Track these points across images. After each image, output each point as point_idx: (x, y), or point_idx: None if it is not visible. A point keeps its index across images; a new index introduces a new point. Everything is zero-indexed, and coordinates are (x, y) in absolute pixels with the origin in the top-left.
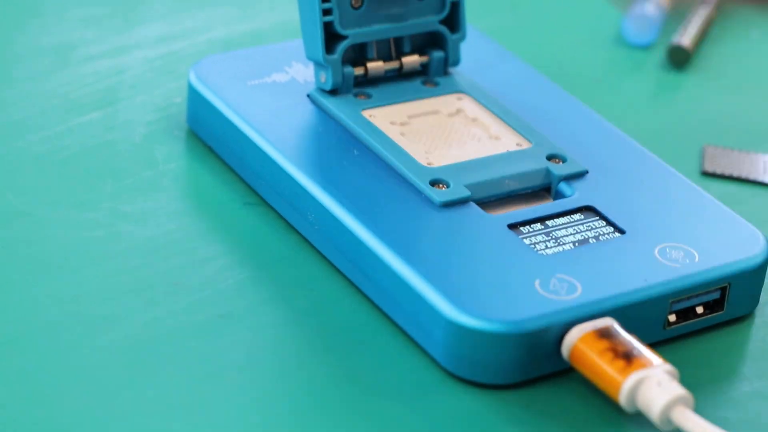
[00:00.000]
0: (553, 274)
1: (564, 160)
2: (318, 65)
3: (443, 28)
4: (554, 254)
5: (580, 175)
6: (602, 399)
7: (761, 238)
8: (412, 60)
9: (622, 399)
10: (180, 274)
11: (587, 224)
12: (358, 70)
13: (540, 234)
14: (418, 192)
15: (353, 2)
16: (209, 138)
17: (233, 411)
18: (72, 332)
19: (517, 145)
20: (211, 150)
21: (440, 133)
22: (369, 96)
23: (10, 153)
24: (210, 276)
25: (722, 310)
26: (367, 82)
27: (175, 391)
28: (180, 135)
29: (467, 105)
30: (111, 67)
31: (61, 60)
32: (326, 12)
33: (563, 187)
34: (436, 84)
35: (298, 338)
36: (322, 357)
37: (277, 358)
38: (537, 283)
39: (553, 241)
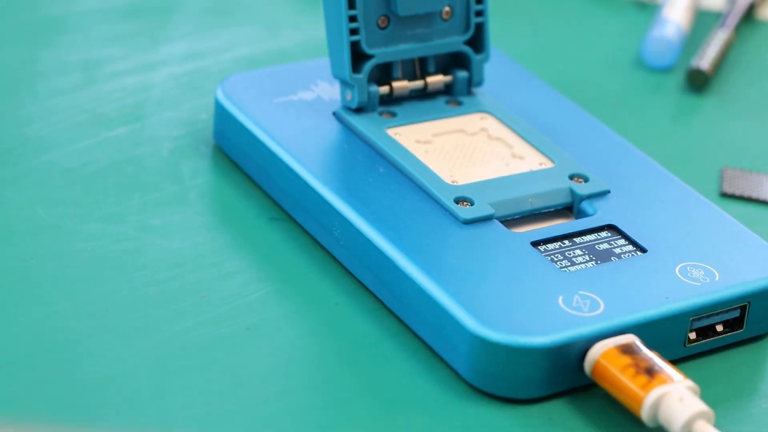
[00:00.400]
0: (576, 291)
1: (586, 180)
2: (344, 84)
3: (468, 49)
4: (577, 271)
5: (602, 194)
6: (624, 414)
7: None
8: (436, 80)
9: (644, 414)
10: (207, 287)
11: (609, 242)
12: (384, 89)
13: (563, 251)
14: (443, 209)
15: (380, 22)
16: (235, 154)
17: (258, 422)
18: (101, 343)
19: (540, 164)
20: (237, 166)
21: (464, 151)
22: (394, 114)
23: (39, 167)
24: (236, 289)
25: (742, 328)
26: (392, 100)
27: (202, 401)
28: (206, 151)
29: (491, 124)
30: (138, 83)
31: (88, 76)
32: (353, 31)
33: (585, 206)
34: (459, 103)
35: (323, 351)
36: (346, 370)
37: (303, 371)
38: (560, 299)
39: (576, 258)
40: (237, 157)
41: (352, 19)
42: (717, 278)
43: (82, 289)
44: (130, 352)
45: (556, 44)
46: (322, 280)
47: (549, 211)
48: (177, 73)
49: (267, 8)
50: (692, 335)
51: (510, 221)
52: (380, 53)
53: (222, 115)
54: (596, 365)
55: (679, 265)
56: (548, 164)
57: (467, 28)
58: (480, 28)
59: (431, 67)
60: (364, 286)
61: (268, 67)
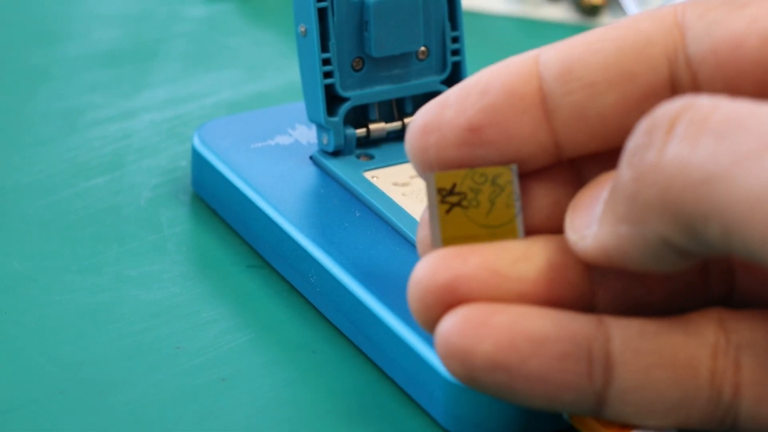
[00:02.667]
0: None
1: None
2: (320, 127)
3: (445, 88)
4: None
5: None
6: None
7: None
8: None
9: None
10: (183, 338)
11: None
12: (360, 132)
13: None
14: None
15: (354, 64)
16: (213, 201)
17: None
18: (76, 398)
19: None
20: (215, 213)
21: None
22: (371, 157)
23: (17, 219)
24: (212, 339)
25: None
26: (369, 143)
27: None
28: (185, 199)
29: None
30: (118, 130)
31: (69, 124)
32: (327, 74)
33: None
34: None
35: (300, 401)
36: (323, 419)
37: (278, 421)
38: None
39: None
40: (215, 205)
41: (326, 62)
42: None
43: (56, 343)
44: (104, 406)
45: None
46: (299, 328)
47: None
48: (158, 120)
49: (249, 51)
50: None
51: None
52: (356, 96)
53: (199, 163)
54: None
55: None
56: None
57: (444, 67)
58: (457, 67)
59: (409, 108)
60: (341, 332)
61: (245, 112)
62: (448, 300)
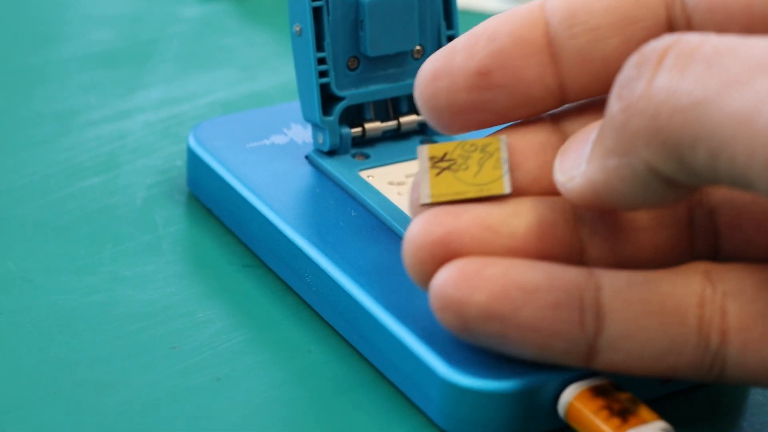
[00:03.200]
0: None
1: None
2: (315, 127)
3: None
4: None
5: None
6: None
7: None
8: (409, 120)
9: None
10: (178, 338)
11: None
12: (356, 131)
13: None
14: None
15: (349, 64)
16: (209, 201)
17: None
18: (71, 398)
19: None
20: (210, 213)
21: None
22: (367, 156)
23: (12, 219)
24: (207, 339)
25: None
26: (365, 142)
27: None
28: (180, 198)
29: None
30: (113, 131)
31: (63, 125)
32: (322, 74)
33: None
34: (434, 143)
35: (296, 400)
36: (318, 419)
37: (273, 421)
38: None
39: None
40: (210, 204)
41: (321, 61)
42: None
43: (51, 344)
44: (99, 407)
45: None
46: (295, 328)
47: None
48: (152, 120)
49: (244, 51)
50: None
51: None
52: (351, 95)
53: (194, 162)
54: (569, 408)
55: None
56: None
57: None
58: None
59: (404, 107)
60: (336, 332)
61: (241, 112)
62: (442, 255)
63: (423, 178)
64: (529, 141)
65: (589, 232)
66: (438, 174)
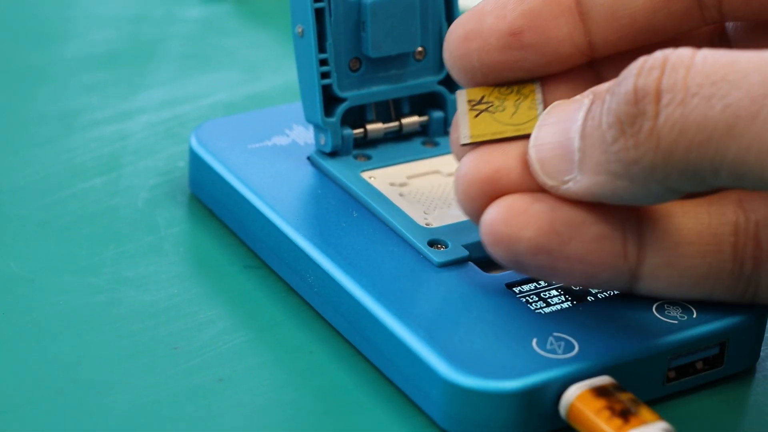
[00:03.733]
0: (550, 333)
1: None
2: (317, 128)
3: (442, 89)
4: (552, 313)
5: None
6: None
7: None
8: (411, 121)
9: None
10: (180, 338)
11: None
12: (358, 132)
13: (538, 292)
14: (417, 253)
15: (351, 65)
16: (210, 202)
17: None
18: (73, 398)
19: None
20: (212, 214)
21: (439, 193)
22: (369, 157)
23: (14, 220)
24: (209, 340)
25: (722, 365)
26: (366, 143)
27: None
28: (182, 199)
29: None
30: (115, 132)
31: (65, 126)
32: (324, 75)
33: None
34: (435, 144)
35: (297, 401)
36: (320, 420)
37: (276, 421)
38: (534, 342)
39: (552, 299)
40: (212, 205)
41: (323, 62)
42: (695, 315)
43: (53, 344)
44: (101, 407)
45: None
46: (296, 328)
47: None
48: (154, 121)
49: (246, 52)
50: (671, 374)
51: (486, 263)
52: (353, 96)
53: (196, 163)
54: (571, 408)
55: (656, 303)
56: None
57: (441, 67)
58: None
59: (406, 108)
60: (338, 333)
61: (242, 113)
62: (491, 191)
63: (462, 120)
64: (562, 82)
65: None
66: (476, 116)
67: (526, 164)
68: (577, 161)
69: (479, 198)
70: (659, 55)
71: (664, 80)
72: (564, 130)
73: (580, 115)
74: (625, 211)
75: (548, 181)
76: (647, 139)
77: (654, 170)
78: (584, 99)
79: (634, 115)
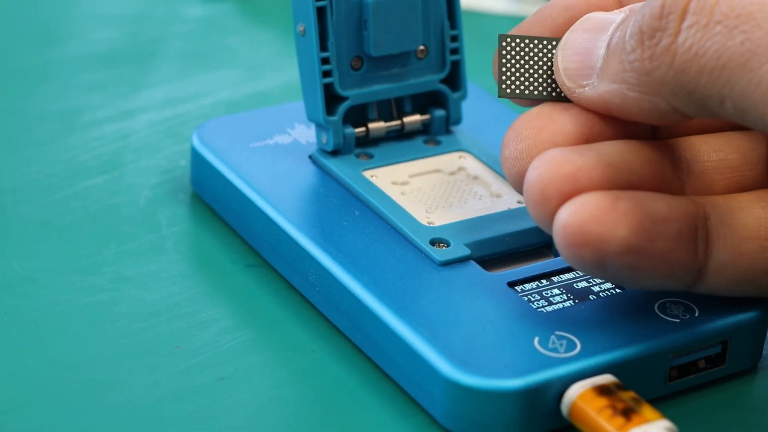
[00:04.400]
0: (552, 332)
1: None
2: (319, 126)
3: (444, 87)
4: (554, 311)
5: None
6: None
7: None
8: (413, 119)
9: None
10: (182, 337)
11: (587, 280)
12: (360, 131)
13: (540, 291)
14: (419, 251)
15: (353, 63)
16: (212, 200)
17: None
18: (74, 397)
19: (518, 202)
20: (214, 212)
21: (441, 191)
22: (370, 156)
23: (15, 219)
24: (211, 338)
25: (724, 363)
26: (368, 142)
27: None
28: (184, 198)
29: (469, 163)
30: (116, 131)
31: (67, 125)
32: (326, 74)
33: None
34: (437, 143)
35: (298, 400)
36: (322, 418)
37: (277, 420)
38: (536, 340)
39: (553, 298)
40: (214, 204)
41: (325, 61)
42: (697, 314)
43: (55, 343)
44: (102, 406)
45: None
46: (298, 327)
47: (528, 250)
48: (156, 120)
49: (248, 51)
50: (673, 372)
51: (488, 261)
52: (354, 95)
53: (198, 162)
54: (573, 407)
55: (658, 302)
56: None
57: (443, 66)
58: (456, 66)
59: (408, 107)
60: (340, 331)
61: (244, 111)
62: (569, 191)
63: (499, 72)
64: None
65: (686, 172)
66: (508, 71)
67: (602, 163)
68: (598, 68)
69: (556, 198)
70: None
71: (692, 3)
72: (593, 38)
73: (612, 26)
74: (692, 207)
75: (567, 83)
76: (663, 54)
77: (663, 86)
78: (620, 14)
79: (656, 28)
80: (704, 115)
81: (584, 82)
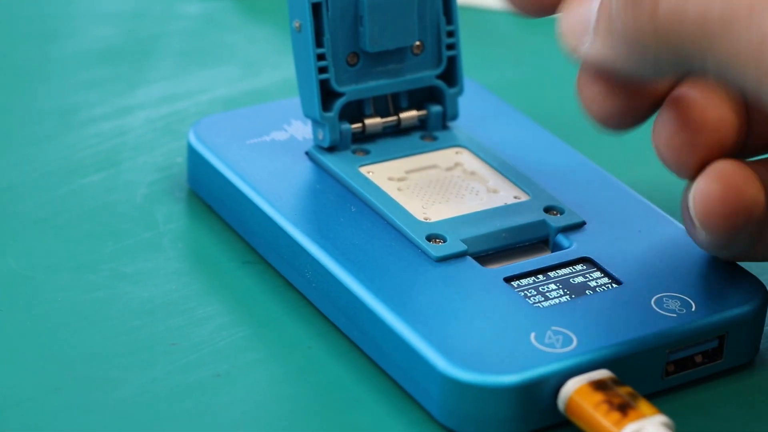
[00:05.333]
0: (548, 327)
1: (562, 212)
2: (315, 123)
3: (440, 83)
4: (550, 306)
5: (577, 226)
6: None
7: (759, 285)
8: (409, 115)
9: None
10: (178, 335)
11: (584, 275)
12: (356, 127)
13: (536, 286)
14: (415, 247)
15: (349, 59)
16: (209, 197)
17: None
18: (71, 395)
19: (515, 197)
20: (211, 209)
21: (438, 187)
22: (367, 152)
23: (12, 216)
24: (208, 335)
25: (721, 358)
26: (365, 138)
27: None
28: (181, 195)
29: (465, 159)
30: (114, 128)
31: (64, 122)
32: (322, 70)
33: (561, 238)
34: (434, 138)
35: (295, 396)
36: (318, 415)
37: (274, 417)
38: (532, 336)
39: (550, 293)
40: (211, 201)
41: (320, 57)
42: (694, 308)
43: (51, 340)
44: (99, 404)
45: (539, 75)
46: (294, 324)
47: (524, 245)
48: (153, 117)
49: (245, 48)
50: (670, 367)
51: (484, 257)
52: (351, 91)
53: (194, 159)
54: (569, 402)
55: (655, 297)
56: (523, 197)
57: (439, 62)
58: (452, 62)
59: (404, 103)
60: (336, 328)
61: (241, 108)
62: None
63: None
64: None
65: None
66: None
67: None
68: (592, 28)
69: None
70: None
71: None
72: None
73: None
74: None
75: (567, 38)
76: (647, 22)
77: (647, 46)
78: None
79: None
80: (691, 74)
81: (582, 41)
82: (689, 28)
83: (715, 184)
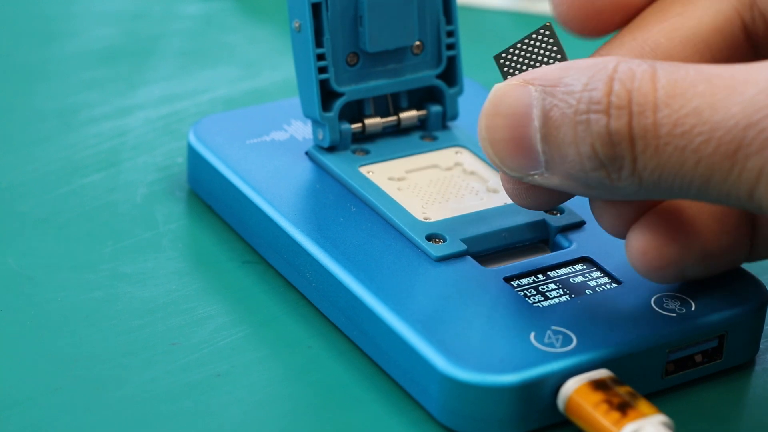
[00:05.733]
0: (548, 327)
1: (561, 212)
2: (315, 123)
3: (440, 83)
4: (550, 306)
5: (577, 225)
6: None
7: (758, 285)
8: (409, 115)
9: None
10: (178, 334)
11: (584, 275)
12: (356, 127)
13: (536, 286)
14: (415, 247)
15: (349, 59)
16: (209, 197)
17: None
18: (71, 395)
19: None
20: (211, 209)
21: (438, 187)
22: (367, 152)
23: (12, 216)
24: (208, 335)
25: (721, 358)
26: (365, 138)
27: None
28: (181, 195)
29: (465, 158)
30: (114, 128)
31: (64, 122)
32: (322, 70)
33: (560, 238)
34: (434, 138)
35: (295, 396)
36: (318, 414)
37: (274, 416)
38: (532, 335)
39: (550, 293)
40: (210, 201)
41: (320, 57)
42: (693, 308)
43: (51, 340)
44: (99, 403)
45: None
46: (294, 323)
47: (524, 245)
48: (153, 117)
49: (245, 48)
50: (670, 367)
51: (484, 257)
52: (351, 91)
53: (194, 159)
54: (569, 402)
55: (655, 297)
56: None
57: (439, 61)
58: (452, 62)
59: (404, 103)
60: (336, 327)
61: (241, 108)
62: None
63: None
64: None
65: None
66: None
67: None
68: (543, 162)
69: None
70: (621, 91)
71: (634, 124)
72: (518, 125)
73: (535, 112)
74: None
75: (511, 173)
76: (629, 178)
77: (637, 195)
78: (531, 89)
79: (613, 156)
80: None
81: (531, 172)
82: (675, 182)
83: (642, 243)
